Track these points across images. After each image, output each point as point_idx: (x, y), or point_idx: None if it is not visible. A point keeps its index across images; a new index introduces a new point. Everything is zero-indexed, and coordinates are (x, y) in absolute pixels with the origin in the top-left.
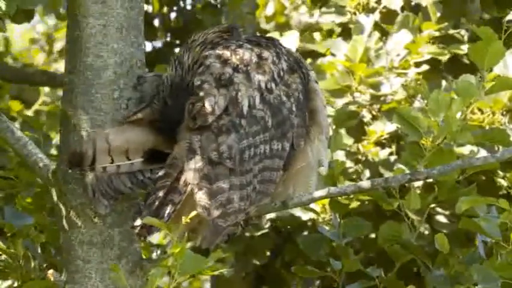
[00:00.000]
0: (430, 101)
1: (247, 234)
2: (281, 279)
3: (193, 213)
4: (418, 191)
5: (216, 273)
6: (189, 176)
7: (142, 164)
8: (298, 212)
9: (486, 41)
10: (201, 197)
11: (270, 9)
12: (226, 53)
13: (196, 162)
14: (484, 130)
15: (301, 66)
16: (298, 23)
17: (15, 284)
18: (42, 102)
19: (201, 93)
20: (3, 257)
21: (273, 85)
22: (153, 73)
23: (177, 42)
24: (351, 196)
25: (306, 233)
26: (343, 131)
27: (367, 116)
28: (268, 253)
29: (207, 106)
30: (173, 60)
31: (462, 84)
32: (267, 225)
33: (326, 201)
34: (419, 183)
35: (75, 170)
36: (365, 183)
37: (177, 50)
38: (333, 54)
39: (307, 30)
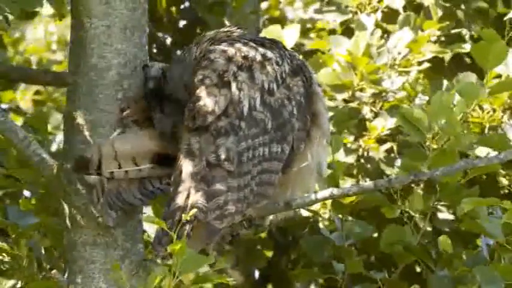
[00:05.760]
0: (432, 102)
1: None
2: (286, 278)
3: (193, 211)
4: (420, 191)
5: (221, 281)
6: (187, 178)
7: (150, 170)
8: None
9: (489, 41)
10: (198, 198)
11: (264, 3)
12: (231, 50)
13: (194, 165)
14: (483, 135)
15: (304, 70)
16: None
17: (19, 285)
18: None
19: (202, 93)
20: (7, 257)
21: (275, 86)
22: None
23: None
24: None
25: (306, 229)
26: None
27: (368, 113)
28: (270, 255)
29: (207, 105)
30: (183, 51)
31: (465, 85)
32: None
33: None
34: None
35: (81, 173)
36: (368, 184)
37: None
38: None
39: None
